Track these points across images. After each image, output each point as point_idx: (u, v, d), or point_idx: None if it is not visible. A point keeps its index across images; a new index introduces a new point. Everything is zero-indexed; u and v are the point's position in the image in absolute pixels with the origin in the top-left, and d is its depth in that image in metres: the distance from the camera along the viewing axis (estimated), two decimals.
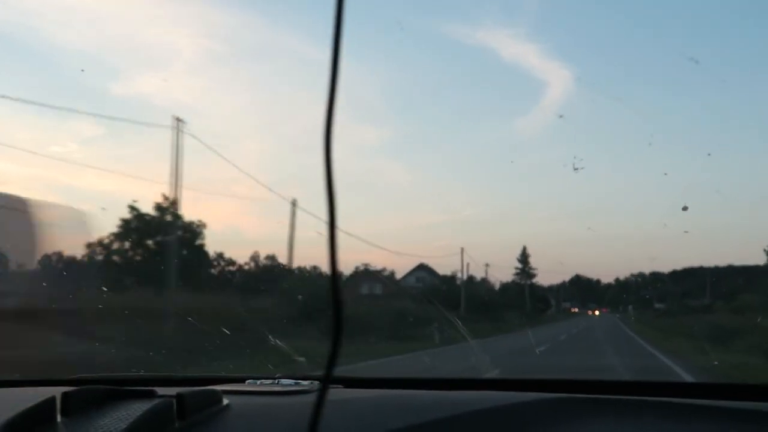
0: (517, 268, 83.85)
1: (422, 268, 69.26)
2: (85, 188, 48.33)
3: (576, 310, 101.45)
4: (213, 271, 49.14)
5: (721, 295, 63.12)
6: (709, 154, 75.85)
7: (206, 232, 26.51)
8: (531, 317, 54.36)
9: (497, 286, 74.29)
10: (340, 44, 0.81)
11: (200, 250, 26.45)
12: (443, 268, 68.34)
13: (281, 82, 69.41)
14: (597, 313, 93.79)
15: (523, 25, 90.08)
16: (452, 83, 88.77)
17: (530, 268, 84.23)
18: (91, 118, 61.18)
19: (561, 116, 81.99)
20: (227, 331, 9.31)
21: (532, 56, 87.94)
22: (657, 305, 71.38)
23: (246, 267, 54.31)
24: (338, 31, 0.81)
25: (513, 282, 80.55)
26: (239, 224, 68.46)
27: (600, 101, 75.23)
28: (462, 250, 49.91)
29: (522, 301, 64.76)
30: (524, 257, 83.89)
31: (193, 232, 25.85)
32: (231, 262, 53.23)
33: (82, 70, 51.85)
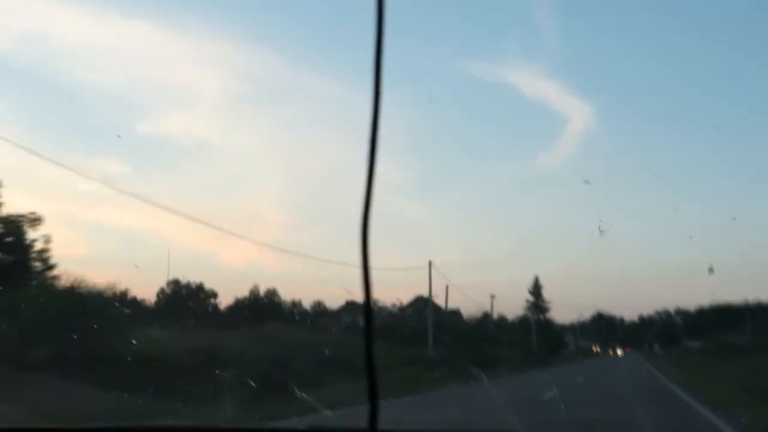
0: (528, 301, 74.91)
1: (422, 300, 60.92)
2: (110, 224, 53.13)
3: (597, 349, 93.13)
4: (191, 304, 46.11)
5: (761, 331, 55.32)
6: (734, 219, 79.94)
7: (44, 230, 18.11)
8: (537, 357, 44.88)
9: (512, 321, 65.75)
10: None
11: (25, 252, 17.71)
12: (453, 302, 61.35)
13: (304, 122, 71.31)
14: (619, 352, 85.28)
15: (545, 62, 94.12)
16: (473, 120, 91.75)
17: (543, 301, 75.22)
18: (115, 156, 61.06)
19: (587, 182, 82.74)
20: None
21: (552, 93, 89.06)
22: (689, 343, 62.53)
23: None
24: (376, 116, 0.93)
25: (524, 317, 71.50)
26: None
27: (624, 153, 75.42)
28: (430, 263, 39.95)
29: (529, 338, 55.29)
30: (536, 289, 74.92)
31: (15, 228, 17.49)
32: (212, 294, 48.73)
33: (119, 136, 52.35)
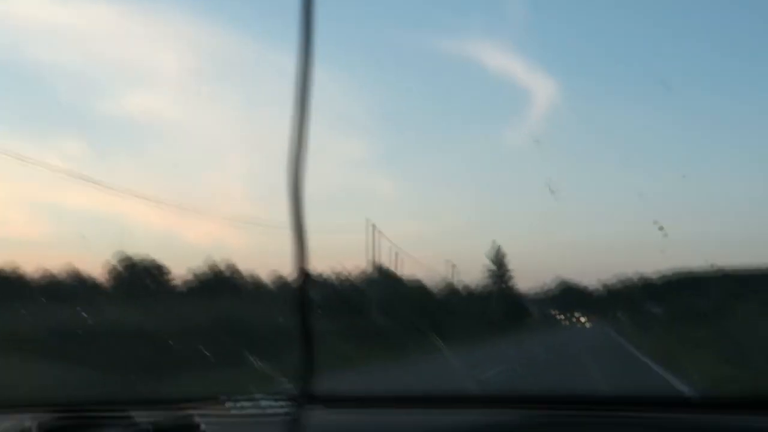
0: (490, 270, 72.65)
1: (380, 271, 58.13)
2: (71, 207, 51.08)
3: (562, 317, 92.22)
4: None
5: (728, 298, 54.14)
6: (683, 176, 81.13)
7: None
8: (499, 327, 42.36)
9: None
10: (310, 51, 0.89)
11: None
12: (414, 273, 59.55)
13: (266, 97, 70.12)
14: (583, 321, 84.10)
15: (509, 37, 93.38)
16: (437, 95, 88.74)
17: (506, 269, 73.03)
18: (75, 136, 60.19)
19: (537, 141, 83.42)
20: None
21: (516, 68, 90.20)
22: (653, 309, 60.93)
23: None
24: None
25: (485, 286, 69.28)
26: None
27: (579, 122, 76.23)
28: (373, 227, 36.70)
29: (487, 307, 52.75)
30: (498, 257, 72.72)
31: None
32: (164, 270, 47.33)
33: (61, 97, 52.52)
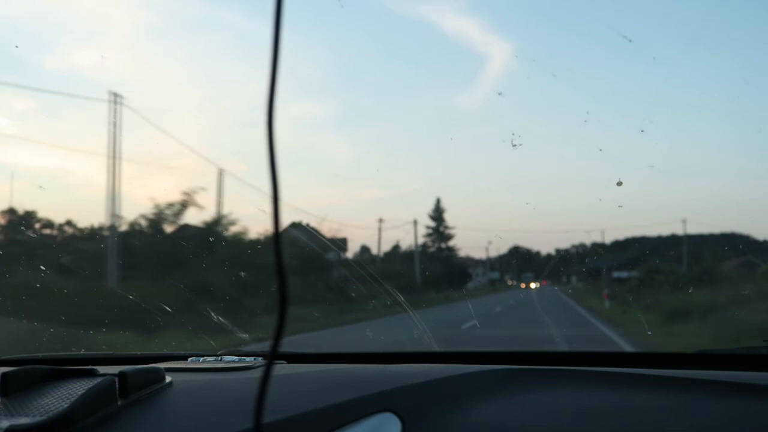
0: (429, 227, 63.77)
1: (296, 227, 48.15)
2: (20, 164, 43.06)
3: (511, 282, 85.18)
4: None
5: (693, 261, 47.43)
6: (642, 131, 74.75)
7: None
8: (417, 294, 33.09)
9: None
10: (281, 19, 0.80)
11: None
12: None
13: (221, 56, 65.61)
14: (533, 286, 76.39)
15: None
16: (394, 57, 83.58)
17: (445, 227, 64.21)
18: (24, 92, 52.33)
19: (500, 93, 74.41)
20: None
21: (473, 30, 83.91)
22: (616, 274, 52.70)
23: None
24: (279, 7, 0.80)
25: (423, 245, 60.35)
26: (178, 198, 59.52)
27: (538, 77, 68.49)
28: (114, 96, 24.47)
29: (411, 270, 43.30)
30: (438, 213, 63.79)
31: None
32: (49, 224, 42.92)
33: (16, 47, 46.56)
